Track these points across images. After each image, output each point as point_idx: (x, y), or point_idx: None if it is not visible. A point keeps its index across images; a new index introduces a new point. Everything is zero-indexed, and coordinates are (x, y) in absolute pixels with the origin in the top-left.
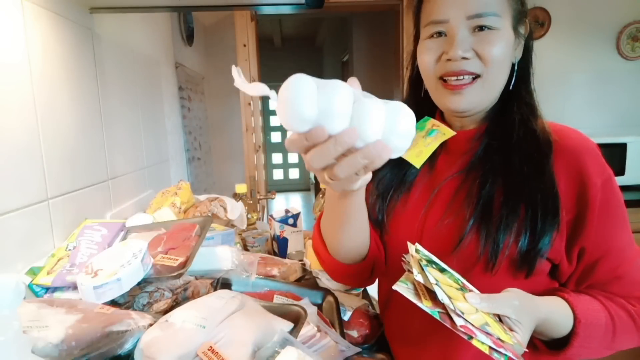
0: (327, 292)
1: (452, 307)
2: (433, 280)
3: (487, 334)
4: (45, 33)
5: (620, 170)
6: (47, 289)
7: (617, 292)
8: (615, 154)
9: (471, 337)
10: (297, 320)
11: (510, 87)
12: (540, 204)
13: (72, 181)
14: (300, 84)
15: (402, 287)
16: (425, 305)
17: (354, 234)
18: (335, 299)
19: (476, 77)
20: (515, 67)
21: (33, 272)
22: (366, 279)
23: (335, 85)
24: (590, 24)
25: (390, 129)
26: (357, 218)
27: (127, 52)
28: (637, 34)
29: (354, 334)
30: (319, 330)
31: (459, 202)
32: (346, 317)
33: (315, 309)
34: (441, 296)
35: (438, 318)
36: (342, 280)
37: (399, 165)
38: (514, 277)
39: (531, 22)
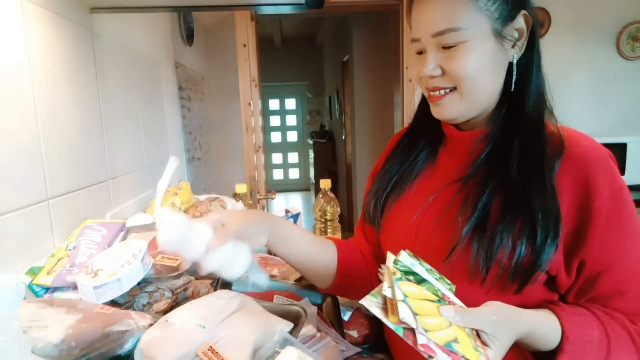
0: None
1: (415, 325)
2: (400, 297)
3: (451, 352)
4: (45, 33)
5: (620, 170)
6: (47, 289)
7: (620, 308)
8: (615, 154)
9: (431, 357)
10: (297, 320)
11: (512, 89)
12: (541, 224)
13: (72, 181)
14: (171, 219)
15: (369, 302)
16: (390, 322)
17: (304, 270)
18: (335, 299)
19: (454, 88)
20: (514, 67)
21: (33, 272)
22: (357, 294)
23: (196, 229)
24: (590, 24)
25: (228, 263)
26: (295, 261)
27: (127, 52)
28: (637, 34)
29: (354, 334)
30: (319, 330)
31: (456, 208)
32: (346, 317)
33: (315, 309)
34: (403, 314)
35: (402, 335)
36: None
37: (400, 162)
38: (506, 289)
39: (534, 15)
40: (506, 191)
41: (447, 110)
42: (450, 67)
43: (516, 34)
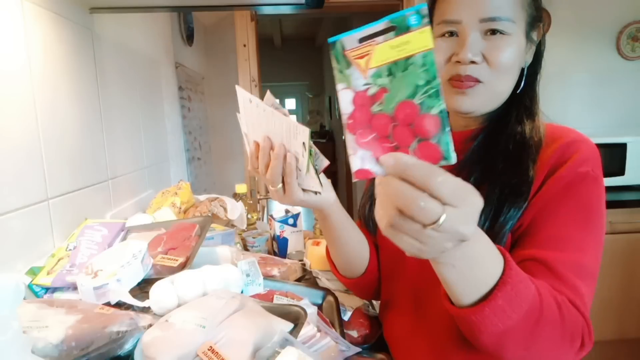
0: (327, 292)
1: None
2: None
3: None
4: (45, 33)
5: (620, 170)
6: (47, 289)
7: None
8: (615, 154)
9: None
10: (297, 320)
11: (518, 91)
12: (509, 198)
13: (72, 181)
14: (161, 288)
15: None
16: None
17: (342, 252)
18: (335, 299)
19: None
20: (525, 72)
21: (33, 272)
22: (371, 293)
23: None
24: (590, 24)
25: None
26: (340, 238)
27: (127, 52)
28: (637, 34)
29: (354, 334)
30: (319, 330)
31: None
32: (346, 317)
33: (315, 309)
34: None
35: None
36: (352, 290)
37: None
38: None
39: (544, 25)
40: (489, 177)
41: (471, 101)
42: (493, 56)
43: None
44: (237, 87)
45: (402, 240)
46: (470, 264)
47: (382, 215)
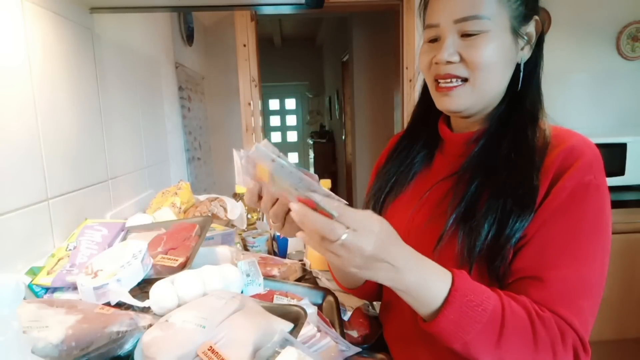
0: (327, 292)
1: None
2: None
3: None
4: (45, 33)
5: (620, 170)
6: (46, 289)
7: (539, 299)
8: (615, 154)
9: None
10: (297, 320)
11: (518, 89)
12: (516, 214)
13: (72, 181)
14: (161, 288)
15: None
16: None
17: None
18: (335, 299)
19: (465, 80)
20: (522, 68)
21: (33, 272)
22: (372, 296)
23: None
24: (590, 24)
25: None
26: None
27: (127, 52)
28: (637, 34)
29: (354, 334)
30: (319, 330)
31: (447, 204)
32: (346, 317)
33: (315, 309)
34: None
35: None
36: (353, 295)
37: (398, 164)
38: (492, 277)
39: (544, 21)
40: (492, 185)
41: (456, 101)
42: (469, 54)
43: (526, 37)
44: (257, 145)
45: (326, 254)
46: (416, 288)
47: (308, 240)
